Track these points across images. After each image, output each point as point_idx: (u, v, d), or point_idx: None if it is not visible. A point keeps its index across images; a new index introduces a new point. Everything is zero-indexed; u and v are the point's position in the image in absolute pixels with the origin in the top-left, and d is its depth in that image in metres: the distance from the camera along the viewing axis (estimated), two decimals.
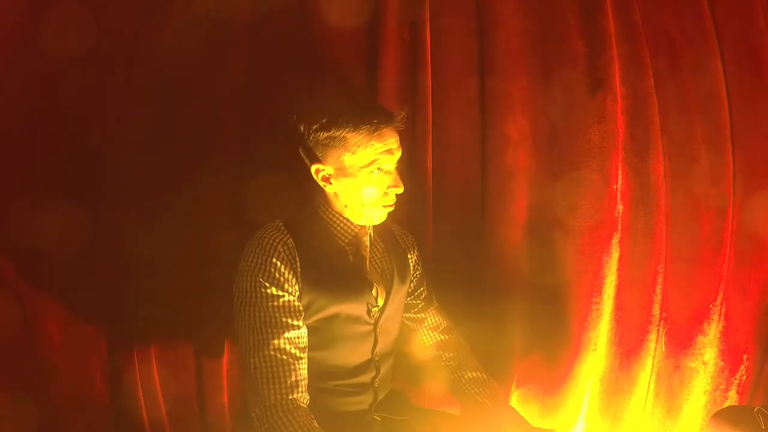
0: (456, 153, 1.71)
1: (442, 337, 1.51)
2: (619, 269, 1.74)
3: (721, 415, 1.49)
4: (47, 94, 1.52)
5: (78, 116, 1.53)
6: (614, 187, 1.71)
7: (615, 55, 1.68)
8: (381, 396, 1.40)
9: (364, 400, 1.36)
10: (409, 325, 1.53)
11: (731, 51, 1.72)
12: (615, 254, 1.73)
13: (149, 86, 1.55)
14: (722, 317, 1.75)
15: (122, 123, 1.54)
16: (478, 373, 1.46)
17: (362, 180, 1.22)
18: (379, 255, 1.40)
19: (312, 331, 1.24)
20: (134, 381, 1.60)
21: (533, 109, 1.71)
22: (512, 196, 1.70)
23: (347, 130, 1.18)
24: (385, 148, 1.21)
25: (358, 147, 1.19)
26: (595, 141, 1.70)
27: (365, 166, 1.21)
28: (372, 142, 1.19)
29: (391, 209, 1.30)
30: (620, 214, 1.72)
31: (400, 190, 1.26)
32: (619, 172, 1.71)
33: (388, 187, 1.25)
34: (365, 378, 1.35)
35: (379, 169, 1.22)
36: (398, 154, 1.25)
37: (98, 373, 1.60)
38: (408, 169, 1.65)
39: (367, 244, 1.35)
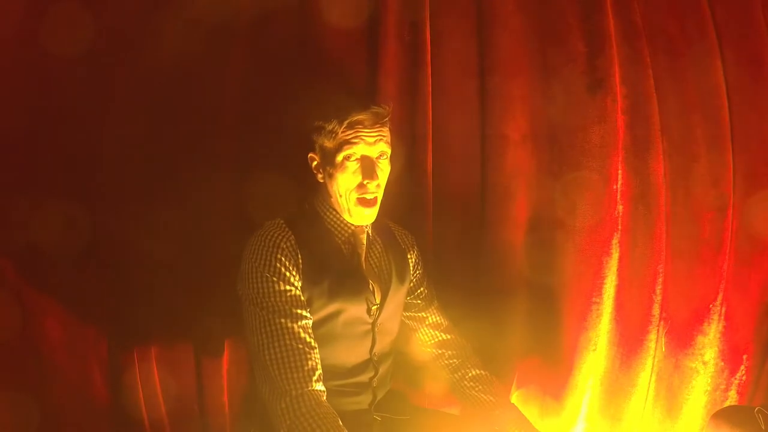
0: (456, 153, 1.71)
1: (443, 336, 1.51)
2: (619, 269, 1.74)
3: (721, 415, 1.49)
4: (47, 94, 1.52)
5: (78, 116, 1.53)
6: (614, 187, 1.71)
7: (615, 55, 1.69)
8: (380, 396, 1.40)
9: (363, 400, 1.36)
10: (409, 324, 1.53)
11: (731, 51, 1.72)
12: (615, 254, 1.73)
13: (150, 86, 1.55)
14: (722, 317, 1.75)
15: (122, 122, 1.54)
16: (480, 371, 1.46)
17: (338, 167, 1.25)
18: (377, 254, 1.41)
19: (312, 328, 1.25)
20: (134, 381, 1.60)
21: (533, 109, 1.71)
22: (512, 196, 1.71)
23: (323, 118, 1.25)
24: (355, 136, 1.23)
25: (332, 134, 1.24)
26: (595, 141, 1.70)
27: (338, 152, 1.24)
28: (343, 129, 1.23)
29: (370, 207, 1.28)
30: (620, 214, 1.72)
31: (374, 181, 1.26)
32: (619, 172, 1.71)
33: (363, 179, 1.25)
34: (363, 378, 1.35)
35: (351, 156, 1.24)
36: (378, 147, 1.26)
37: (98, 373, 1.60)
38: (408, 169, 1.65)
39: (364, 242, 1.35)
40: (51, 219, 1.47)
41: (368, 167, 1.25)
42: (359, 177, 1.25)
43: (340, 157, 1.24)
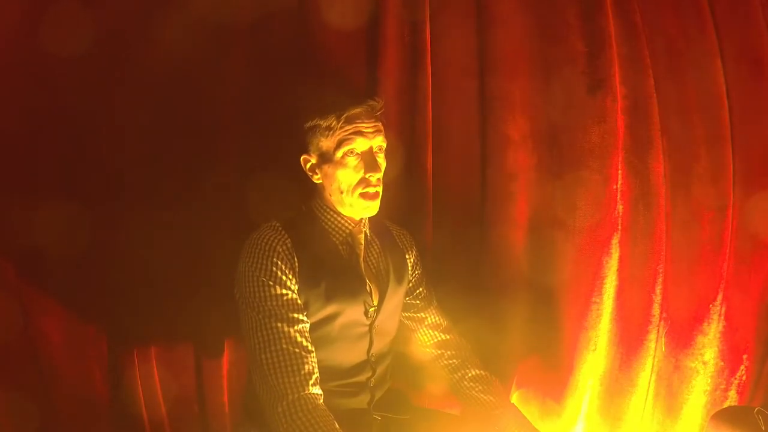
0: (456, 153, 1.71)
1: (442, 336, 1.51)
2: (619, 269, 1.74)
3: (721, 415, 1.49)
4: (47, 94, 1.51)
5: (78, 116, 1.53)
6: (614, 187, 1.71)
7: (615, 55, 1.68)
8: (378, 396, 1.40)
9: (361, 400, 1.36)
10: (408, 324, 1.53)
11: (731, 51, 1.72)
12: (615, 254, 1.73)
13: (150, 86, 1.54)
14: (722, 317, 1.75)
15: (122, 123, 1.54)
16: (480, 371, 1.46)
17: (338, 163, 1.26)
18: (375, 255, 1.40)
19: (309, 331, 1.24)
20: (134, 381, 1.60)
21: (533, 109, 1.71)
22: (512, 196, 1.70)
23: (319, 115, 1.25)
24: (354, 130, 1.24)
25: (330, 131, 1.25)
26: (595, 141, 1.70)
27: (337, 148, 1.25)
28: (341, 124, 1.24)
29: (373, 201, 1.28)
30: (620, 214, 1.72)
31: (378, 173, 1.28)
32: (619, 172, 1.71)
33: (365, 173, 1.26)
34: (361, 378, 1.35)
35: (352, 151, 1.25)
36: (375, 140, 1.28)
37: (98, 373, 1.60)
38: (408, 169, 1.65)
39: (362, 242, 1.35)
40: (51, 219, 1.47)
41: (369, 160, 1.26)
42: (361, 172, 1.26)
43: (339, 154, 1.25)
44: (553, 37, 1.70)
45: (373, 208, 1.30)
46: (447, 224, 1.71)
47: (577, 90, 1.70)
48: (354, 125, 1.24)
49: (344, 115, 1.24)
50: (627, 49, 1.71)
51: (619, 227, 1.72)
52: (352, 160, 1.25)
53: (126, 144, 1.55)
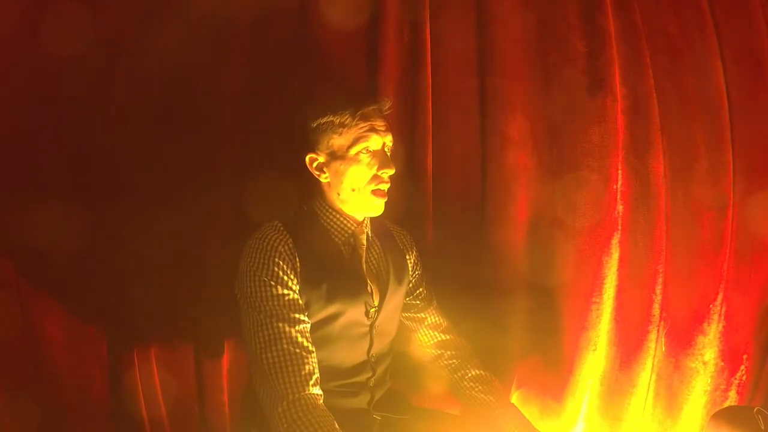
0: (456, 153, 1.71)
1: (442, 336, 1.51)
2: (619, 269, 1.74)
3: (721, 415, 1.49)
4: (47, 94, 1.51)
5: (78, 116, 1.53)
6: (614, 187, 1.71)
7: (615, 55, 1.69)
8: (378, 396, 1.40)
9: (361, 400, 1.36)
10: (408, 324, 1.53)
11: (731, 51, 1.73)
12: (615, 254, 1.73)
13: (149, 86, 1.55)
14: (722, 317, 1.75)
15: (122, 123, 1.54)
16: (480, 371, 1.46)
17: (352, 160, 1.25)
18: (376, 255, 1.40)
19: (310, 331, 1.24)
20: (134, 381, 1.59)
21: (533, 109, 1.71)
22: (512, 196, 1.71)
23: (332, 113, 1.24)
24: (369, 127, 1.25)
25: (344, 128, 1.24)
26: (595, 141, 1.70)
27: (352, 145, 1.24)
28: (356, 121, 1.24)
29: (383, 198, 1.30)
30: (620, 214, 1.72)
31: (392, 170, 1.28)
32: (619, 172, 1.71)
33: (379, 169, 1.26)
34: (360, 378, 1.35)
35: (366, 149, 1.25)
36: (387, 138, 1.29)
37: (98, 373, 1.60)
38: (408, 169, 1.65)
39: (364, 242, 1.35)
40: (51, 219, 1.47)
41: (383, 158, 1.27)
42: (374, 169, 1.26)
43: (353, 151, 1.25)
44: (553, 37, 1.71)
45: (381, 206, 1.31)
46: (447, 224, 1.71)
47: (577, 90, 1.70)
48: (369, 122, 1.25)
49: (359, 112, 1.24)
50: (627, 49, 1.72)
51: (619, 227, 1.72)
52: (365, 157, 1.26)
53: (126, 144, 1.55)
